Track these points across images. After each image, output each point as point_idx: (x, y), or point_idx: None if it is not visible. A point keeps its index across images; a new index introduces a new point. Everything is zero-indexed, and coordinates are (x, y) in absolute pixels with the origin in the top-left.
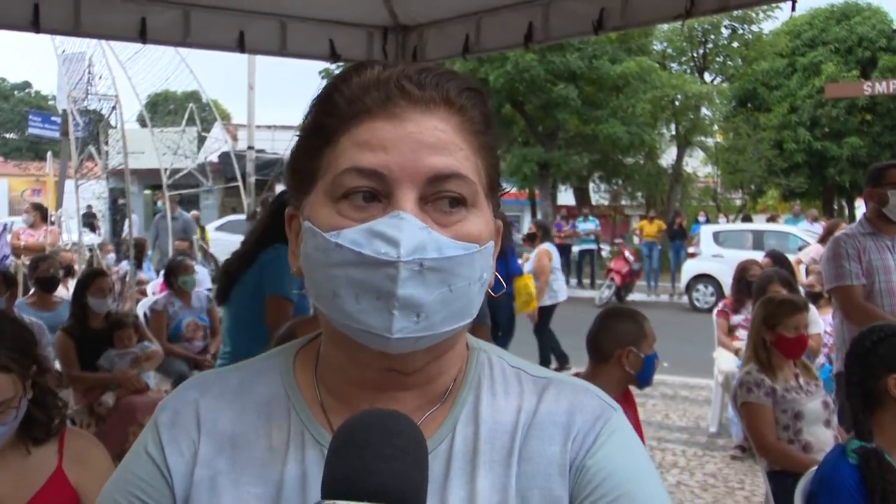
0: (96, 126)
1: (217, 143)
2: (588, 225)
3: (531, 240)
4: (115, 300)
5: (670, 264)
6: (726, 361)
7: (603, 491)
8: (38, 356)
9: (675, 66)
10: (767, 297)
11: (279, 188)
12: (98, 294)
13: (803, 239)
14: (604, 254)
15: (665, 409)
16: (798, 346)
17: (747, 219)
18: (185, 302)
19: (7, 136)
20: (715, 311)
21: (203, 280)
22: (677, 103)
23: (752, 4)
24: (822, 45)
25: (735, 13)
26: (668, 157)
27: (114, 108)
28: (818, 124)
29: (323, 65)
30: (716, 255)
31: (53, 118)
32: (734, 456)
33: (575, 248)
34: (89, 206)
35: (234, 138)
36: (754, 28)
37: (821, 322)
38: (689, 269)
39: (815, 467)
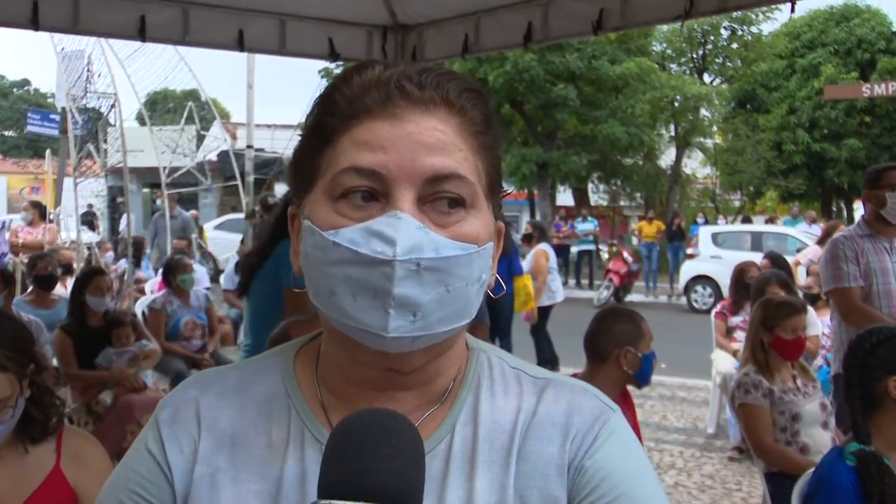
0: (95, 124)
1: (216, 142)
2: (587, 225)
3: (528, 240)
4: (114, 298)
5: (669, 265)
6: (724, 363)
7: (601, 492)
8: (35, 354)
9: (674, 66)
10: (766, 299)
11: (278, 187)
12: (96, 292)
13: (802, 240)
14: (602, 254)
15: (663, 409)
16: (796, 348)
17: (747, 220)
18: (183, 301)
19: (6, 133)
20: (713, 312)
21: (201, 279)
22: (676, 104)
23: (752, 6)
24: (821, 47)
25: (734, 14)
26: (666, 158)
27: (113, 106)
28: (817, 126)
29: (322, 64)
30: (714, 256)
31: (52, 116)
32: (732, 457)
33: (573, 249)
34: (90, 205)
35: (233, 137)
36: (753, 29)
37: (819, 324)
38: (688, 270)
39: (813, 469)
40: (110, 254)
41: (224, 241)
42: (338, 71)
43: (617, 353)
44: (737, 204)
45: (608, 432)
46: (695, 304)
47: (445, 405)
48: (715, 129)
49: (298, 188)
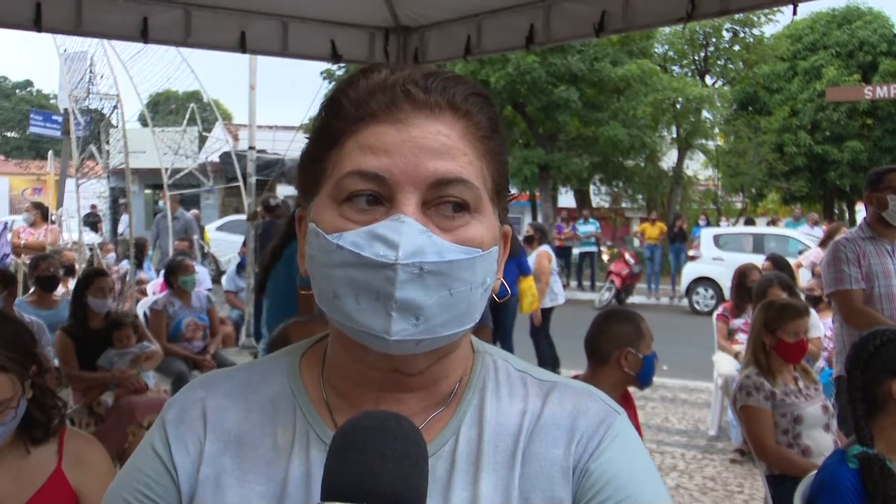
0: (97, 125)
1: (218, 143)
2: (588, 227)
3: (529, 242)
4: (115, 300)
5: (670, 267)
6: (726, 365)
7: (606, 494)
8: (37, 355)
9: (676, 68)
10: (768, 301)
11: (280, 188)
12: (98, 294)
13: (803, 242)
14: (603, 256)
15: (664, 411)
16: (798, 351)
17: (750, 222)
18: (184, 302)
19: (8, 134)
20: (714, 314)
21: (203, 280)
22: (678, 106)
23: (754, 8)
24: (823, 49)
25: (736, 16)
26: (668, 160)
27: (115, 107)
28: (819, 128)
29: (324, 65)
30: (716, 258)
31: (55, 117)
32: (733, 459)
33: (575, 251)
34: (93, 206)
35: (235, 138)
36: (755, 31)
37: (821, 326)
38: (690, 271)
39: (815, 472)
40: (112, 255)
41: (226, 242)
42: (340, 72)
43: (617, 355)
44: (738, 206)
45: (613, 435)
46: (696, 306)
47: (451, 407)
48: (717, 131)
49: (305, 190)
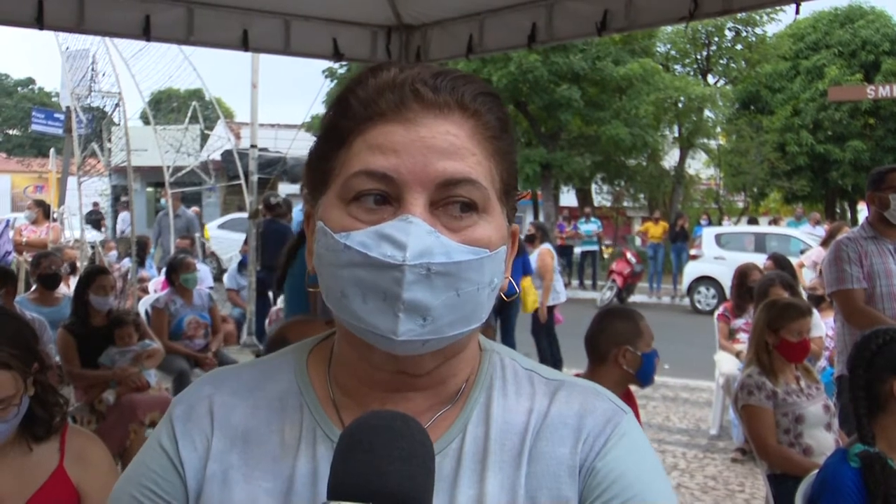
0: (99, 123)
1: (220, 141)
2: (590, 226)
3: (531, 241)
4: (117, 298)
5: (672, 266)
6: (728, 364)
7: (612, 493)
8: (39, 353)
9: (678, 68)
10: (771, 301)
11: (282, 187)
12: (100, 292)
13: (805, 242)
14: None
15: (666, 410)
16: (801, 351)
17: (753, 221)
18: (186, 300)
19: (10, 132)
20: (715, 314)
21: (205, 278)
22: (680, 105)
23: (756, 7)
24: (825, 49)
25: (739, 16)
26: (670, 159)
27: (117, 105)
28: (821, 127)
29: (326, 64)
30: (718, 257)
31: (56, 115)
32: (735, 459)
33: (576, 250)
34: (95, 204)
35: (237, 136)
36: (758, 31)
37: (823, 325)
38: (691, 271)
39: (816, 471)
40: (114, 253)
41: (227, 240)
42: (342, 71)
43: (615, 353)
44: (740, 205)
45: (620, 434)
46: (698, 305)
47: (457, 405)
48: (718, 130)
49: (313, 189)
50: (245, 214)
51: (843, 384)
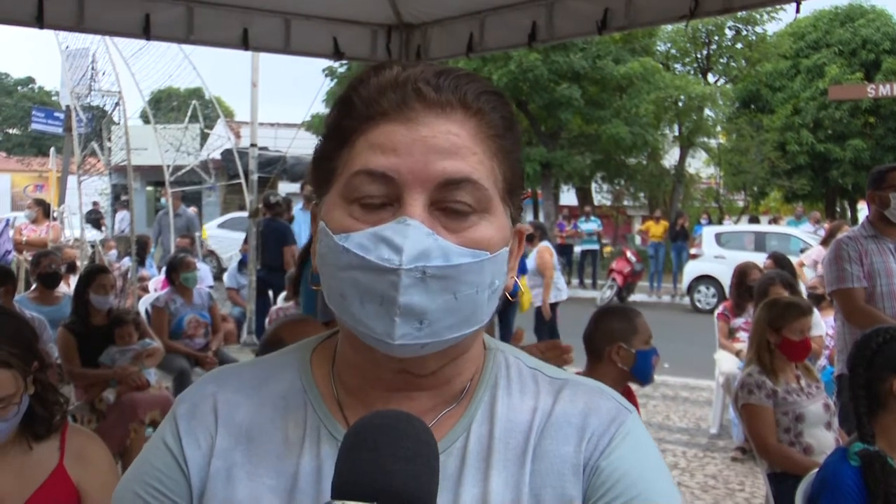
0: (99, 122)
1: (220, 141)
2: (590, 225)
3: (529, 240)
4: (117, 297)
5: (672, 265)
6: (728, 363)
7: (616, 492)
8: (39, 352)
9: (678, 66)
10: (772, 300)
11: (282, 186)
12: (100, 291)
13: (805, 241)
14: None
15: (666, 409)
16: (803, 350)
17: (754, 220)
18: (186, 299)
19: (10, 131)
20: (715, 313)
21: (205, 277)
22: (680, 104)
23: (757, 6)
24: (825, 48)
25: (739, 14)
26: (670, 158)
27: (117, 104)
28: (821, 126)
29: (327, 62)
30: (718, 256)
31: (56, 114)
32: (735, 457)
33: (577, 249)
34: (95, 203)
35: (237, 135)
36: (758, 29)
37: (823, 324)
38: (691, 270)
39: (816, 469)
40: (114, 252)
41: (227, 239)
42: (342, 70)
43: (609, 350)
44: (740, 204)
45: (624, 433)
46: (698, 304)
47: (462, 404)
48: (719, 129)
49: (318, 188)
50: (245, 213)
51: (844, 383)
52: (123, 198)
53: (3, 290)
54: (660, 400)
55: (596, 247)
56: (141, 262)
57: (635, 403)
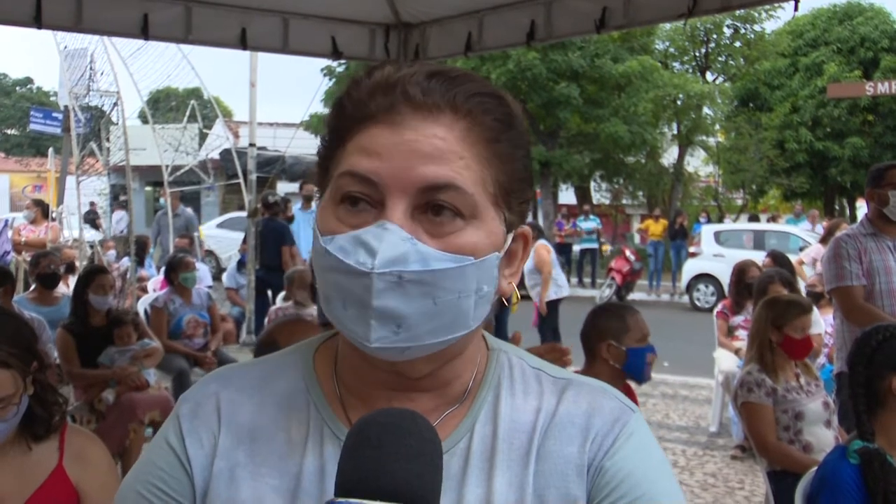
0: (98, 122)
1: (218, 140)
2: (589, 224)
3: None
4: (116, 297)
5: (671, 264)
6: (727, 361)
7: (621, 493)
8: (38, 352)
9: (677, 65)
10: (773, 298)
11: (280, 185)
12: (99, 291)
13: (804, 239)
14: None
15: (665, 408)
16: (805, 348)
17: (754, 218)
18: (185, 299)
19: (8, 132)
20: (714, 311)
21: (204, 277)
22: (679, 103)
23: (755, 4)
24: (824, 46)
25: (737, 13)
26: (669, 157)
27: (115, 104)
28: (820, 124)
29: (325, 62)
30: (717, 254)
31: (55, 114)
32: (734, 456)
33: (575, 248)
34: (92, 204)
35: (236, 135)
36: (756, 28)
37: (822, 322)
38: (690, 268)
39: (816, 467)
40: (112, 252)
41: (226, 239)
42: (340, 69)
43: (601, 348)
44: (739, 202)
45: (628, 433)
46: (697, 303)
47: (465, 404)
48: (717, 127)
49: (319, 188)
50: (244, 213)
51: (843, 381)
52: (122, 198)
53: (2, 291)
54: (659, 398)
55: (595, 245)
56: (140, 262)
57: (635, 402)
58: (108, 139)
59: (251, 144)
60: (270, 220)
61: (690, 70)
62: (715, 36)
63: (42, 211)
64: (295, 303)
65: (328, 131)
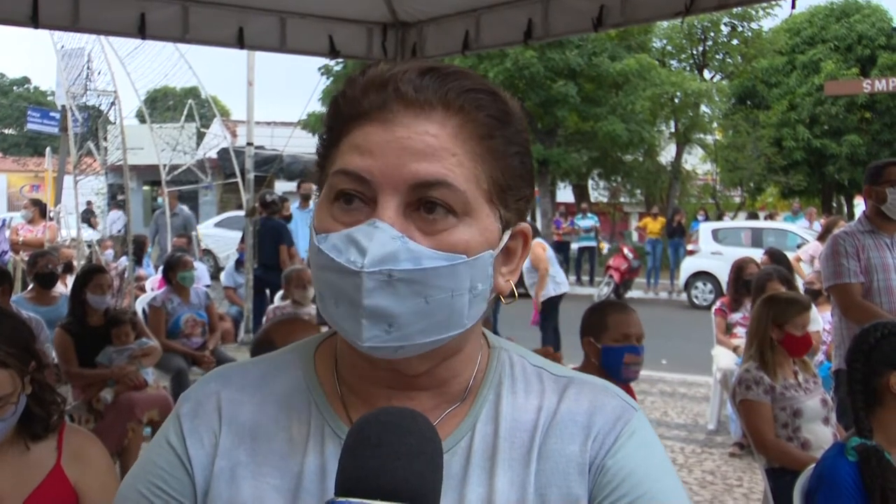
0: (95, 122)
1: (216, 140)
2: (587, 222)
3: None
4: (114, 296)
5: (669, 262)
6: (725, 358)
7: (623, 491)
8: (36, 351)
9: (674, 63)
10: (773, 295)
11: (278, 184)
12: (97, 291)
13: (802, 236)
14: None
15: (663, 405)
16: (805, 345)
17: (753, 216)
18: (183, 298)
19: (6, 131)
20: (713, 309)
21: (202, 276)
22: (677, 101)
23: (752, 2)
24: (821, 43)
25: (735, 10)
26: (667, 155)
27: (113, 103)
28: (817, 122)
29: (323, 61)
30: (715, 252)
31: (52, 114)
32: (733, 453)
33: (574, 246)
34: (89, 202)
35: (233, 134)
36: (754, 25)
37: (820, 320)
38: (688, 266)
39: (814, 465)
40: (110, 251)
41: (224, 238)
42: (338, 68)
43: (583, 345)
44: (737, 200)
45: (630, 432)
46: (695, 301)
47: (466, 403)
48: (715, 125)
49: (318, 187)
50: (241, 213)
51: (841, 378)
52: (120, 197)
53: (0, 291)
54: (657, 396)
55: (593, 244)
56: (138, 261)
57: (634, 400)
58: (105, 138)
59: (249, 143)
60: (268, 219)
61: (688, 68)
62: (712, 34)
63: (40, 210)
64: (293, 302)
65: (325, 129)
